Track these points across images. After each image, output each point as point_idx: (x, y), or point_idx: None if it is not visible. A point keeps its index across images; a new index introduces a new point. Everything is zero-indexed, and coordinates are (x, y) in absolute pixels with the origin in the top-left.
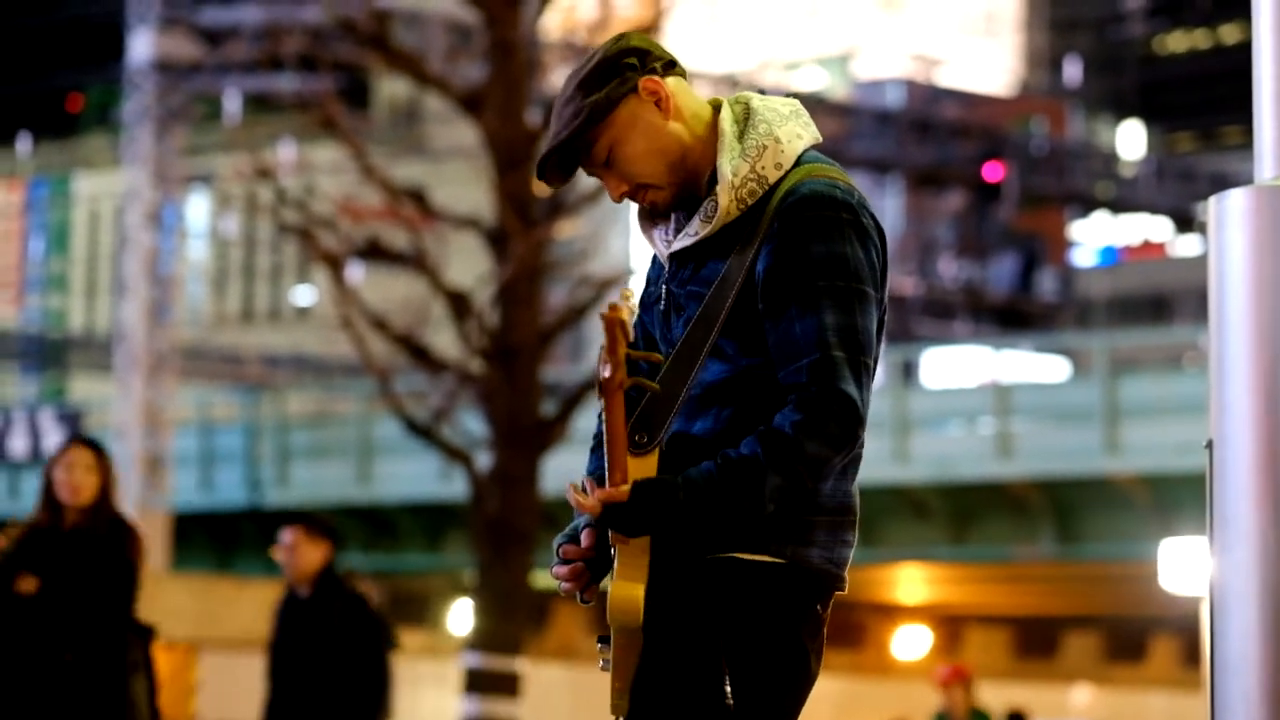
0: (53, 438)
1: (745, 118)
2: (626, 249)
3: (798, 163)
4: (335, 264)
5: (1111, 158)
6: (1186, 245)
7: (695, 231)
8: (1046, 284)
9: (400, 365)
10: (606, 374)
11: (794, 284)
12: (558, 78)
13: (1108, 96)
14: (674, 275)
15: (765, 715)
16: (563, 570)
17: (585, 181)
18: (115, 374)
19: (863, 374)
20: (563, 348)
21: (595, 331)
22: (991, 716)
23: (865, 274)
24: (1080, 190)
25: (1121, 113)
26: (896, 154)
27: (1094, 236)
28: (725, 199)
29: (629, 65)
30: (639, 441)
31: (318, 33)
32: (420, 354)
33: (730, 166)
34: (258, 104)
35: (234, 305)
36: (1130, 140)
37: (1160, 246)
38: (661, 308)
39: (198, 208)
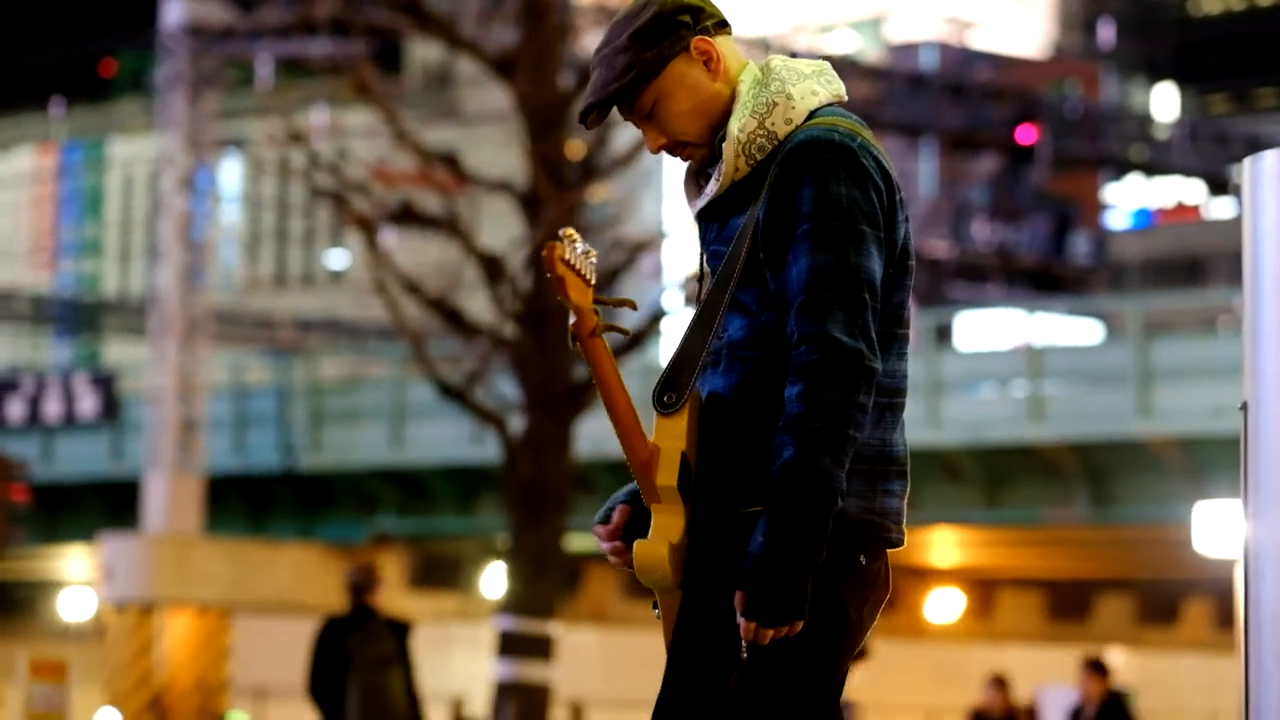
0: (86, 402)
1: (765, 76)
2: (659, 212)
3: (811, 118)
4: (369, 228)
5: (1145, 120)
6: (1220, 208)
7: (710, 191)
8: (1080, 247)
9: (433, 329)
10: (572, 322)
11: (786, 231)
12: (590, 41)
13: (1141, 59)
14: (703, 237)
15: (798, 667)
16: (605, 546)
17: (618, 144)
18: (149, 339)
19: (858, 309)
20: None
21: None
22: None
23: (861, 212)
24: (1114, 153)
25: (1155, 75)
26: (930, 117)
27: (1127, 199)
28: (730, 155)
29: (683, 23)
30: (666, 402)
31: None
32: (453, 318)
33: (739, 124)
34: (290, 69)
35: (267, 269)
36: (1164, 103)
37: (1194, 209)
38: (707, 271)
39: (231, 172)
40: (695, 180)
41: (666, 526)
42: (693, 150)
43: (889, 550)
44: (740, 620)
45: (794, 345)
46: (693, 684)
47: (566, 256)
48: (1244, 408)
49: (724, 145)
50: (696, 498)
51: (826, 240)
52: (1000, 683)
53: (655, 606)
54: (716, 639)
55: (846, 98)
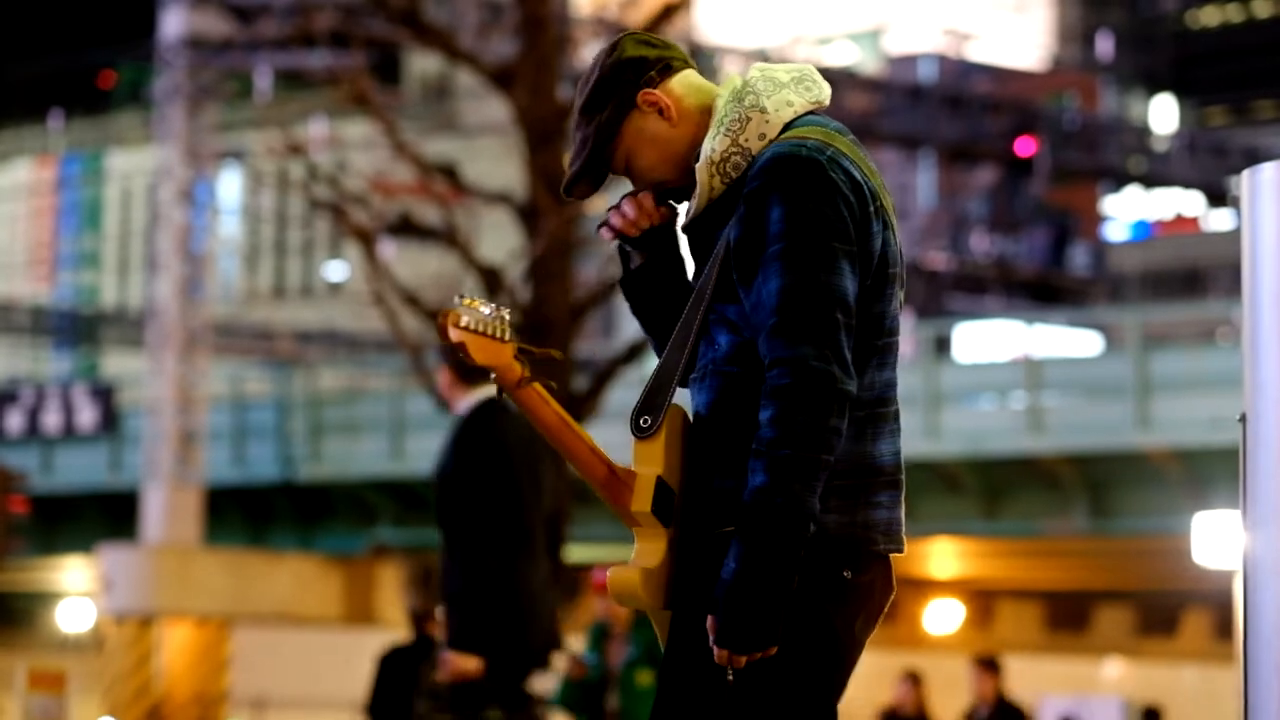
0: (86, 413)
1: (740, 90)
2: None
3: (786, 130)
4: (367, 240)
5: (1144, 132)
6: (1219, 219)
7: (689, 211)
8: (1079, 259)
9: (432, 340)
10: (493, 378)
11: (756, 251)
12: (588, 53)
13: (1140, 71)
14: (691, 254)
15: (786, 686)
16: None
17: None
18: (148, 350)
19: (829, 330)
20: (595, 323)
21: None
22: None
23: (830, 228)
24: (1112, 165)
25: (1154, 87)
26: (928, 129)
27: (1126, 211)
28: (704, 176)
29: (626, 83)
30: (643, 425)
31: (349, 9)
32: None
33: (711, 144)
34: (289, 80)
35: (266, 281)
36: (1163, 114)
37: (1193, 221)
38: None
39: (229, 184)
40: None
41: (644, 551)
42: (676, 190)
43: (891, 559)
44: (713, 647)
45: (766, 368)
46: (682, 709)
47: (462, 323)
48: (1243, 419)
49: (698, 166)
50: (682, 518)
51: (795, 260)
52: (914, 679)
53: None
54: (703, 662)
55: (827, 102)
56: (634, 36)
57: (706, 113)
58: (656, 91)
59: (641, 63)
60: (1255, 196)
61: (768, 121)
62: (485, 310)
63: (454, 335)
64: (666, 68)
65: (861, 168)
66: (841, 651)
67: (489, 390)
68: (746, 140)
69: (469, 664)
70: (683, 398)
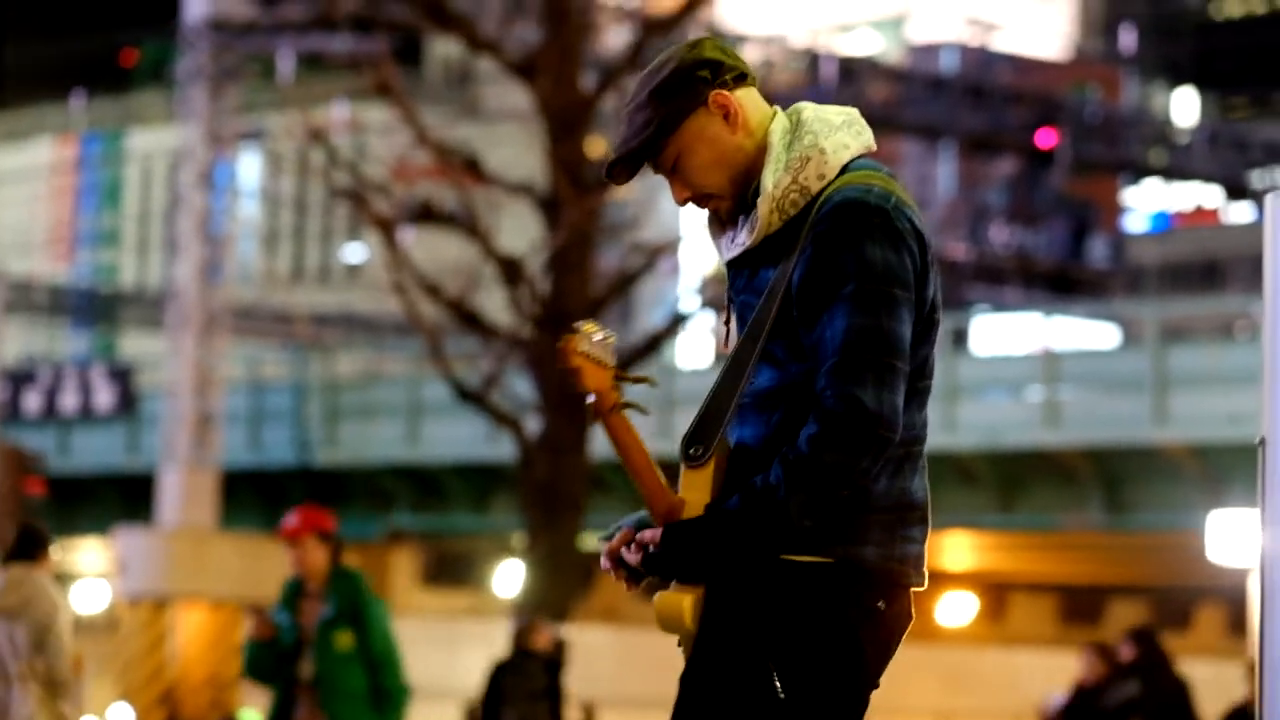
0: (104, 395)
1: (795, 128)
2: (677, 214)
3: (843, 171)
4: (388, 228)
5: (1165, 124)
6: (1239, 212)
7: (742, 242)
8: (1098, 250)
9: (450, 326)
10: (591, 401)
11: (822, 293)
12: (612, 39)
13: (1162, 62)
14: (733, 284)
15: (817, 709)
16: (605, 564)
17: None
18: (167, 333)
19: (886, 375)
20: (614, 313)
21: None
22: None
23: (895, 277)
24: (1133, 157)
25: (1176, 79)
26: (949, 120)
27: (1146, 203)
28: (765, 210)
29: (701, 79)
30: (693, 454)
31: None
32: (471, 320)
33: (772, 179)
34: (311, 64)
35: (284, 264)
36: (1184, 107)
37: (1213, 213)
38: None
39: (249, 166)
40: (719, 222)
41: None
42: (717, 202)
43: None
44: (641, 540)
45: (820, 394)
46: None
47: (582, 349)
48: (1261, 443)
49: (758, 200)
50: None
51: (862, 304)
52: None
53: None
54: (729, 685)
55: (875, 147)
56: (713, 41)
57: (761, 130)
58: (730, 94)
59: (719, 65)
60: (1277, 221)
61: (826, 162)
62: (598, 336)
63: (574, 361)
64: (741, 76)
65: (918, 216)
66: (870, 680)
67: None
68: (806, 179)
69: None
70: None
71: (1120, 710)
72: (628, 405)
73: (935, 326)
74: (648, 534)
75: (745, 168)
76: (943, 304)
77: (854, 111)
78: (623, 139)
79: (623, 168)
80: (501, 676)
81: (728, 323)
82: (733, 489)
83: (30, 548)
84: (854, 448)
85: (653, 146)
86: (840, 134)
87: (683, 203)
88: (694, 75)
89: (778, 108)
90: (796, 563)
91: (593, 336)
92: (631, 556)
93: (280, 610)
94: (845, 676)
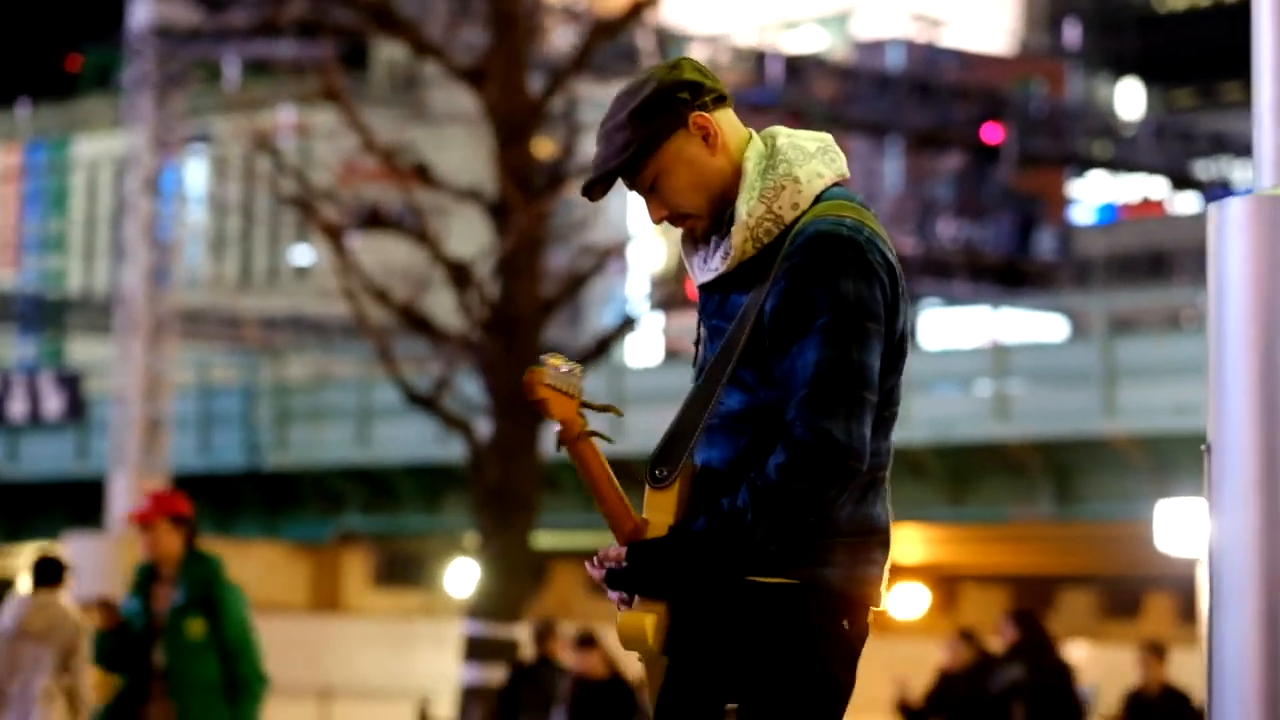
0: (52, 401)
1: (770, 154)
2: (625, 215)
3: (817, 200)
4: (335, 235)
5: (1110, 117)
6: (1184, 203)
7: (715, 267)
8: (1045, 243)
9: (399, 330)
10: (557, 430)
11: (795, 324)
12: (559, 40)
13: (1107, 56)
14: (704, 307)
15: None
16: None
17: (584, 151)
18: (115, 338)
19: (856, 407)
20: (563, 315)
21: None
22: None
23: (867, 310)
24: (1079, 150)
25: (1120, 72)
26: (896, 116)
27: (1092, 195)
28: (739, 240)
29: (681, 100)
30: (659, 476)
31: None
32: (421, 324)
33: (746, 208)
34: (257, 69)
35: (232, 268)
36: (1129, 99)
37: (1159, 205)
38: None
39: (196, 171)
40: (693, 241)
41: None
42: (694, 222)
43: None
44: (605, 557)
45: (789, 424)
46: None
47: (547, 381)
48: (1207, 449)
49: (733, 229)
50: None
51: (834, 337)
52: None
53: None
54: (699, 707)
55: (848, 175)
56: (691, 62)
57: (738, 152)
58: (709, 116)
59: (699, 86)
60: (1222, 230)
61: (800, 192)
62: (564, 368)
63: (540, 393)
64: (720, 98)
65: (889, 247)
66: (841, 697)
67: None
68: (780, 208)
69: None
70: None
71: (1004, 695)
72: (593, 434)
73: (904, 356)
74: (612, 550)
75: (722, 189)
76: None
77: (828, 138)
78: (602, 158)
79: (601, 187)
80: (520, 683)
81: (698, 344)
82: (698, 511)
83: (51, 574)
84: (822, 478)
85: (633, 167)
86: (814, 162)
87: (659, 222)
88: (674, 96)
89: (753, 131)
90: (763, 584)
91: (559, 369)
92: (595, 572)
93: (132, 597)
94: (811, 693)
